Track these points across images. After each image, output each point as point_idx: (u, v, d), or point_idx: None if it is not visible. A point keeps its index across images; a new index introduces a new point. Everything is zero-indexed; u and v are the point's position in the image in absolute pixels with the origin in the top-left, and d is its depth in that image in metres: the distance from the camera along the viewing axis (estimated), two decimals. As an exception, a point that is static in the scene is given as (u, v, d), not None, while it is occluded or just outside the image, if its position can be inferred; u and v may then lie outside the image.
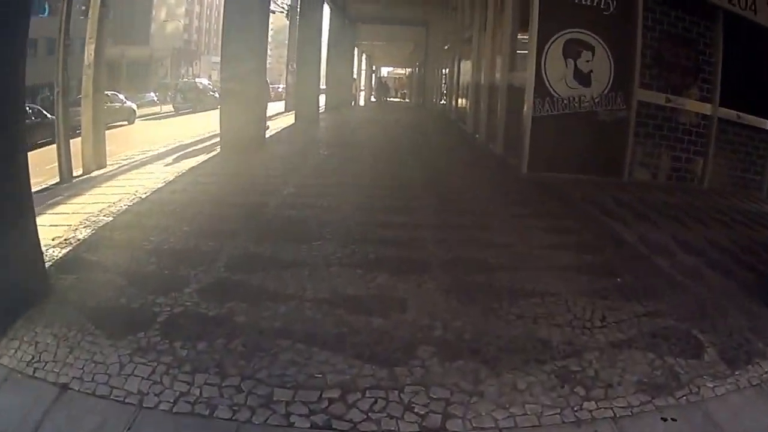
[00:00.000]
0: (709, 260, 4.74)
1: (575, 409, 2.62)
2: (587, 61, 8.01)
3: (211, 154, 11.15)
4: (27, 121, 18.69)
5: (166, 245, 4.81)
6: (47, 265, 4.20)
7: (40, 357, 3.04)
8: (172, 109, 34.71)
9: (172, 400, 2.64)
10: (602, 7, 7.93)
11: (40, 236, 5.36)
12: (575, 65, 8.01)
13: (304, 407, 2.58)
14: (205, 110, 28.85)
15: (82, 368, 2.91)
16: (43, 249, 4.72)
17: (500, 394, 2.71)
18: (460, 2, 18.13)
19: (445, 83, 23.79)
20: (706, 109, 8.24)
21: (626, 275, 4.25)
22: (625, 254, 4.80)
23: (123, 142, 17.09)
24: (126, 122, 27.04)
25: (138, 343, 3.13)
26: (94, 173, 9.98)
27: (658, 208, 6.51)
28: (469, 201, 6.62)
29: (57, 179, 9.29)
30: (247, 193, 7.05)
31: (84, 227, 5.50)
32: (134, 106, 29.00)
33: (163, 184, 7.91)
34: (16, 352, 3.12)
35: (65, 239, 5.04)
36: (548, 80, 8.03)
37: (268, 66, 16.36)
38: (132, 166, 10.72)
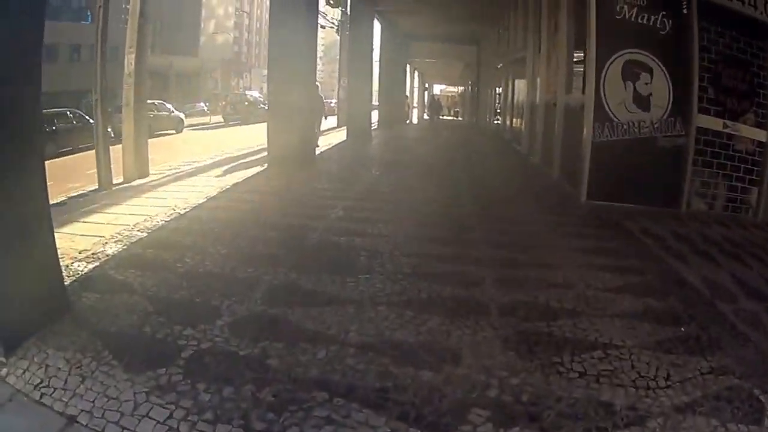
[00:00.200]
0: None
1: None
2: (646, 84, 7.91)
3: (258, 169, 11.22)
4: (68, 125, 19.99)
5: (200, 268, 4.71)
6: (70, 280, 4.17)
7: (49, 382, 2.96)
8: (222, 120, 35.80)
9: (187, 453, 2.46)
10: (658, 26, 7.82)
11: (68, 246, 5.44)
12: (634, 88, 7.93)
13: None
14: (255, 122, 29.44)
15: (93, 402, 2.79)
16: (68, 263, 4.73)
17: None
18: (512, 21, 18.39)
19: (498, 102, 23.98)
20: (761, 135, 7.90)
21: (690, 323, 3.97)
22: (687, 298, 4.50)
23: (169, 151, 17.56)
24: (174, 131, 28.09)
25: (157, 380, 2.98)
26: (135, 182, 10.17)
27: (718, 244, 6.25)
28: (527, 233, 6.39)
29: (96, 185, 9.50)
30: (292, 215, 6.95)
31: (115, 241, 5.48)
32: (182, 116, 30.43)
33: (205, 199, 7.93)
34: (24, 372, 3.05)
35: (93, 253, 5.01)
36: (608, 104, 7.94)
37: (320, 81, 16.51)
38: (175, 177, 10.88)
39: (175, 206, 7.47)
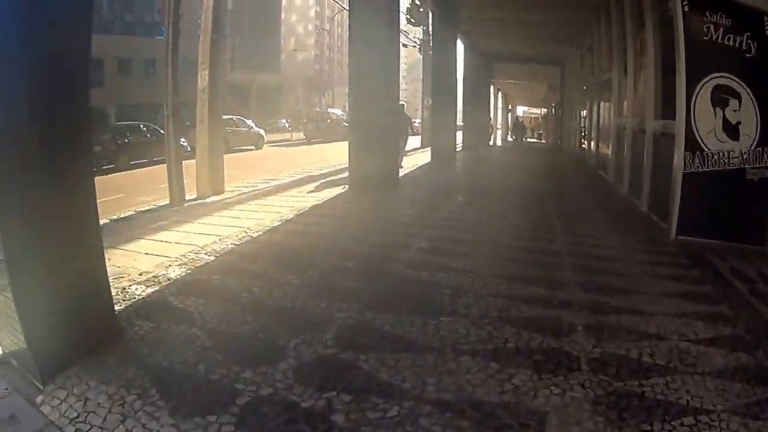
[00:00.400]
0: None
1: None
2: (734, 111, 7.64)
3: (338, 191, 11.19)
4: (142, 138, 21.00)
5: (268, 300, 4.56)
6: (125, 305, 4.10)
7: (86, 418, 2.87)
8: (304, 138, 36.60)
9: None
10: (744, 48, 7.54)
11: (129, 266, 5.46)
12: (723, 115, 7.68)
13: None
14: (337, 140, 29.89)
15: (130, 446, 2.67)
16: (126, 285, 4.70)
17: None
18: (597, 42, 18.18)
19: (583, 126, 23.82)
20: None
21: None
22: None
23: (247, 168, 17.97)
24: (253, 147, 28.96)
25: (206, 428, 2.79)
26: (209, 199, 10.35)
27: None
28: (618, 273, 6.04)
29: (167, 200, 9.69)
30: (372, 243, 6.74)
31: (179, 264, 5.45)
32: (262, 132, 31.56)
33: (280, 222, 7.90)
34: (61, 403, 2.99)
35: (154, 276, 4.97)
36: (698, 132, 7.74)
37: (404, 100, 16.56)
38: (251, 195, 11.02)
39: (248, 228, 7.45)
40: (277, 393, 3.14)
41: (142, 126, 22.30)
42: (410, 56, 67.62)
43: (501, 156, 26.27)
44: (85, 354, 3.41)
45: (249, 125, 30.55)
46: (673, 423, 3.09)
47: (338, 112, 42.99)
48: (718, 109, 7.69)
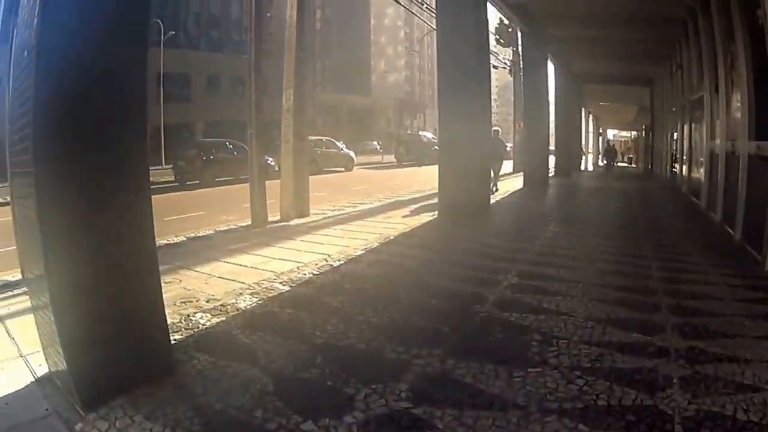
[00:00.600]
0: None
1: None
2: None
3: (427, 217, 10.91)
4: (227, 155, 21.54)
5: (341, 341, 4.25)
6: (186, 334, 3.92)
7: None
8: (394, 160, 36.76)
9: None
10: None
11: (198, 290, 5.32)
12: None
13: None
14: (429, 164, 29.78)
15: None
16: (191, 312, 4.53)
17: None
18: (685, 59, 17.49)
19: (674, 149, 23.25)
20: None
21: None
22: None
23: (335, 190, 18.01)
24: (343, 169, 29.27)
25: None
26: (293, 221, 10.29)
27: None
28: (715, 314, 5.49)
29: (249, 221, 9.68)
30: (459, 278, 6.37)
31: (251, 293, 5.26)
32: (352, 154, 31.98)
33: (363, 251, 7.65)
34: None
35: (222, 304, 4.78)
36: None
37: (495, 123, 16.36)
38: (337, 219, 10.89)
39: (329, 256, 7.25)
40: (339, 453, 2.83)
41: (228, 143, 22.84)
42: (501, 78, 67.23)
43: (592, 182, 25.64)
44: (133, 385, 3.26)
45: (339, 147, 31.03)
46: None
47: (429, 134, 43.20)
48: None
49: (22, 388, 3.50)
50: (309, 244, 8.16)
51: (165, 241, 8.46)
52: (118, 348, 3.24)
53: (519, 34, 23.98)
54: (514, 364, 3.95)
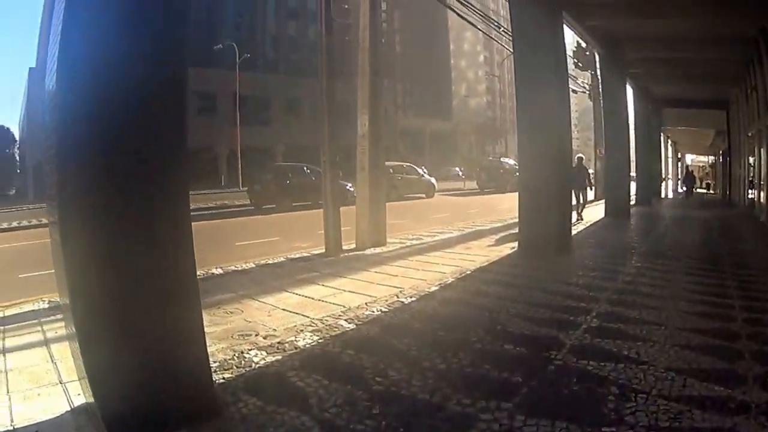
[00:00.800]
0: None
1: None
2: None
3: (507, 250, 10.55)
4: (304, 180, 21.62)
5: (403, 389, 3.98)
6: (235, 374, 3.79)
7: None
8: (476, 187, 36.48)
9: None
10: None
11: (258, 322, 5.21)
12: None
13: None
14: (511, 191, 29.33)
15: None
16: (246, 348, 4.41)
17: None
18: (760, 80, 16.63)
19: (752, 175, 22.39)
20: None
21: None
22: None
23: (415, 217, 17.81)
24: (424, 195, 29.08)
25: None
26: (368, 251, 10.16)
27: None
28: None
29: (323, 249, 9.61)
30: (535, 320, 6.01)
31: (313, 330, 5.08)
32: (433, 180, 31.76)
33: (437, 286, 7.38)
34: None
35: (280, 342, 4.62)
36: None
37: (576, 149, 15.90)
38: (413, 249, 10.71)
39: (402, 290, 7.05)
40: None
41: (305, 168, 22.83)
42: (580, 102, 65.82)
43: (673, 210, 24.74)
44: (171, 427, 3.12)
45: (420, 173, 30.90)
46: None
47: (511, 161, 42.79)
48: None
49: (56, 417, 3.45)
50: (382, 276, 7.97)
51: (233, 268, 8.46)
52: (152, 386, 3.12)
53: (596, 56, 23.59)
54: (587, 422, 3.60)
